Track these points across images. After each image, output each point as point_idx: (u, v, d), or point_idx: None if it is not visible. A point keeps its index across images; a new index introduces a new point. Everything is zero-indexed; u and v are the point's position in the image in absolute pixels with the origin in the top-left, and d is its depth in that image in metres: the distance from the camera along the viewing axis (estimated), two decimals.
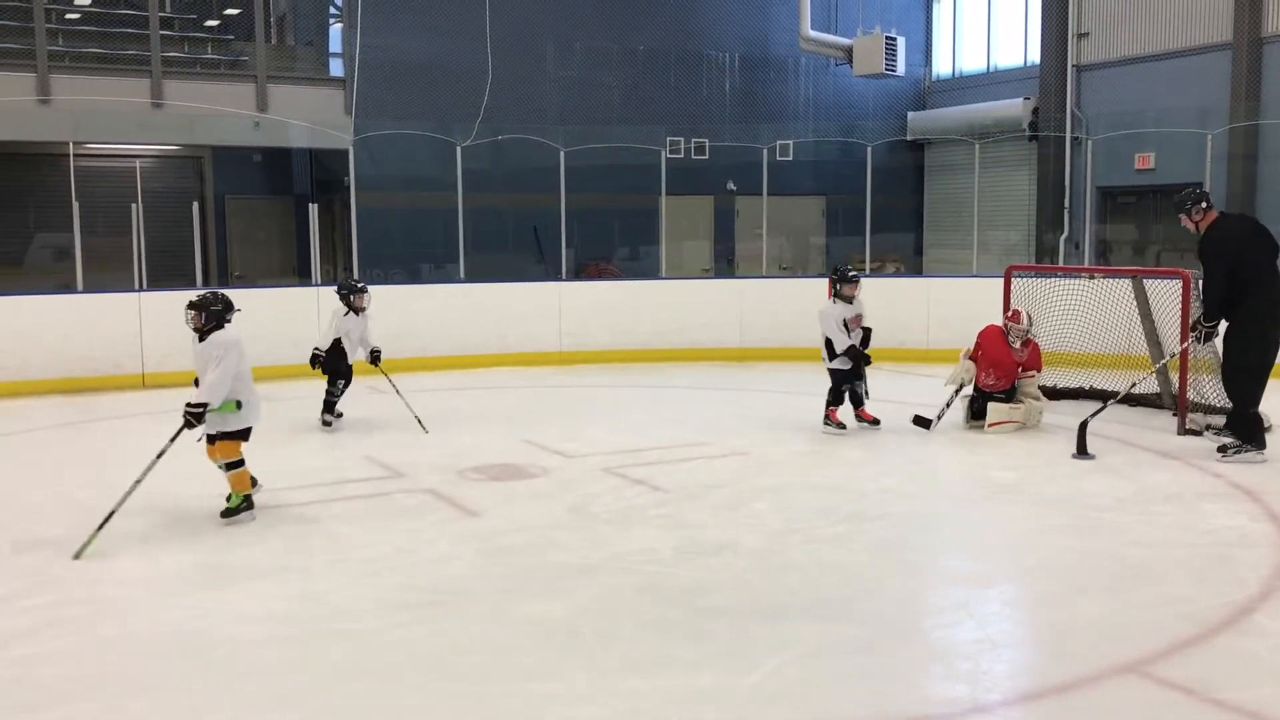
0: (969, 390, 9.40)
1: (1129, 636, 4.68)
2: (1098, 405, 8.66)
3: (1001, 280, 10.68)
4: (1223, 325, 8.16)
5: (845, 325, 9.12)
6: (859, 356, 9.15)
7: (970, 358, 9.39)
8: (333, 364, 9.60)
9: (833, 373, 9.28)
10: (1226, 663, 4.42)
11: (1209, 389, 9.32)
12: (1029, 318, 9.36)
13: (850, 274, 9.27)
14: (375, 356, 9.58)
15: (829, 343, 9.22)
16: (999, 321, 9.59)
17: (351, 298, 9.57)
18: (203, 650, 4.67)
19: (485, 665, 4.51)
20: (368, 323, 9.67)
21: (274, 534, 6.39)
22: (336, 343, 9.60)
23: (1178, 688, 4.17)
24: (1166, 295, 9.65)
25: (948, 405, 9.30)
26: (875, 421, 9.28)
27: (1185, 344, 8.66)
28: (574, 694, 4.22)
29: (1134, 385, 9.13)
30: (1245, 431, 7.97)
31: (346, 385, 9.75)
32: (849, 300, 9.21)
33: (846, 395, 9.29)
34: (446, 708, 4.15)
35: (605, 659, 4.57)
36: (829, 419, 9.29)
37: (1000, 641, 4.79)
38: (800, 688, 4.26)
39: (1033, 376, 9.38)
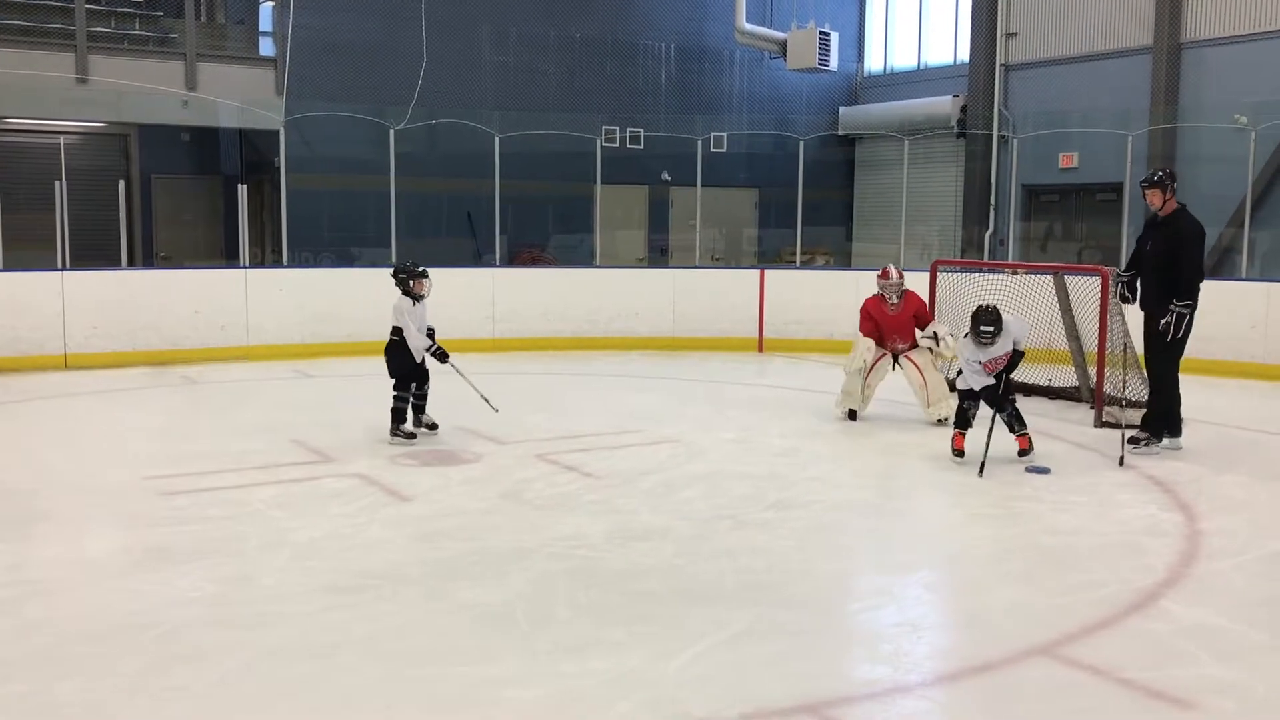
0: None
1: (1042, 620, 4.87)
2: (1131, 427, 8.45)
3: (928, 274, 10.91)
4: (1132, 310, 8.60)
5: (981, 365, 7.77)
6: (993, 401, 7.81)
7: (862, 332, 9.52)
8: (398, 365, 8.34)
9: (960, 392, 8.13)
10: (1133, 645, 4.62)
11: (1123, 382, 9.61)
12: (897, 272, 9.51)
13: (981, 330, 7.57)
14: (430, 334, 8.46)
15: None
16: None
17: (411, 283, 8.33)
18: (134, 632, 4.65)
19: (420, 648, 4.56)
20: (425, 310, 8.48)
21: (205, 517, 6.35)
22: (396, 341, 8.37)
23: (1086, 668, 4.35)
24: (1086, 291, 9.93)
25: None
26: (1024, 451, 7.89)
27: (1167, 321, 8.02)
28: (507, 676, 4.29)
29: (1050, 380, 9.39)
30: (1167, 421, 8.29)
31: (419, 388, 8.48)
32: (978, 344, 7.69)
33: (974, 417, 8.00)
34: (381, 689, 4.18)
35: (538, 642, 4.64)
36: (956, 449, 7.94)
37: (920, 625, 4.95)
38: (728, 669, 4.37)
39: (932, 333, 9.47)
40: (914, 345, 9.53)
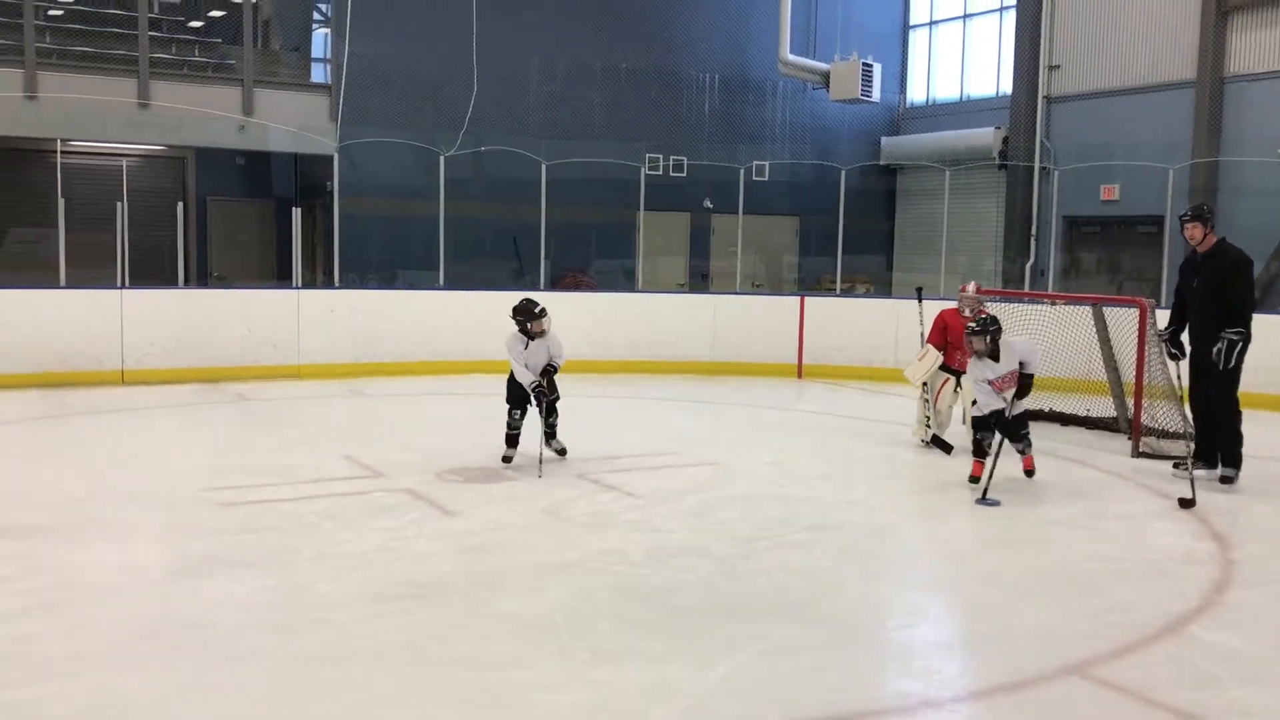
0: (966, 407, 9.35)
1: (1073, 641, 4.96)
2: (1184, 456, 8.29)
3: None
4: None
5: (989, 384, 7.81)
6: (1001, 425, 7.78)
7: (930, 343, 9.56)
8: (515, 392, 8.43)
9: (975, 420, 8.16)
10: (1163, 668, 4.70)
11: (1162, 414, 9.65)
12: (975, 287, 9.50)
13: (968, 325, 7.92)
14: (547, 374, 8.39)
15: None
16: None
17: (529, 325, 8.29)
18: (190, 633, 4.86)
19: (460, 655, 4.72)
20: (552, 344, 8.42)
21: (257, 527, 6.58)
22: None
23: (1116, 688, 4.44)
24: (1125, 323, 9.99)
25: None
26: (1030, 471, 8.04)
27: (1219, 349, 7.91)
28: (545, 682, 4.44)
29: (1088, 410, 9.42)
30: (1235, 452, 8.20)
31: (548, 416, 8.49)
32: (980, 356, 7.78)
33: (991, 447, 7.84)
34: (422, 692, 4.35)
35: (576, 651, 4.79)
36: (972, 475, 7.93)
37: (952, 643, 5.06)
38: (762, 682, 4.50)
39: None
40: None
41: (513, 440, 8.40)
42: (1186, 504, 7.42)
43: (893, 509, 7.58)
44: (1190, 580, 5.90)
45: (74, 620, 5.01)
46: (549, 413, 8.48)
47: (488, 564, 6.00)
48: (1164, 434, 9.54)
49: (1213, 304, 8.07)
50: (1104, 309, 10.36)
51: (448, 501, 7.23)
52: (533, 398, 8.35)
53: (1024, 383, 7.76)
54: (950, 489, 8.13)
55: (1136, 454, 9.34)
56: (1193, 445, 8.28)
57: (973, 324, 7.81)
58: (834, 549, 6.49)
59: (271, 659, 4.61)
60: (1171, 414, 9.66)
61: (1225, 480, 8.14)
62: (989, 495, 7.51)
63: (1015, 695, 4.46)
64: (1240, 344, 7.92)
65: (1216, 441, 8.25)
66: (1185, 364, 8.31)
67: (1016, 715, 4.32)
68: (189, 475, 7.86)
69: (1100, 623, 5.22)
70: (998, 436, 7.81)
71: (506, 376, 8.49)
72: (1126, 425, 9.94)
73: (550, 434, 8.54)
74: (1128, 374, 9.89)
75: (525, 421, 8.45)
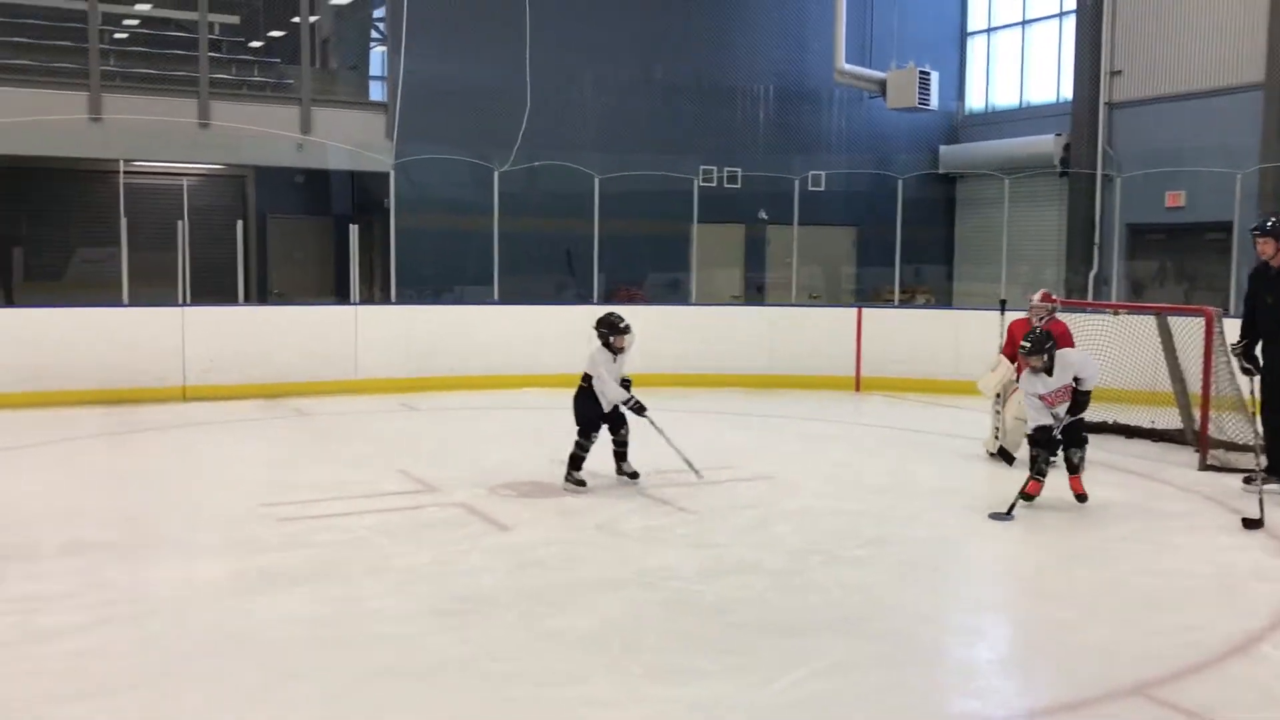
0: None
1: (1136, 660, 4.83)
2: (1256, 472, 8.00)
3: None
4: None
5: (1040, 399, 7.59)
6: (1046, 442, 7.56)
7: (1003, 354, 9.42)
8: (586, 411, 8.12)
9: (1029, 438, 7.85)
10: (1231, 689, 4.56)
11: (1230, 425, 9.41)
12: (1041, 295, 9.29)
13: (1022, 344, 7.62)
14: (625, 385, 8.18)
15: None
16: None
17: (613, 339, 8.10)
18: (249, 648, 4.90)
19: (515, 670, 4.71)
20: (623, 361, 8.24)
21: (314, 542, 6.63)
22: (585, 388, 8.15)
23: (1181, 710, 4.31)
24: (1190, 332, 9.76)
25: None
26: (1082, 496, 7.68)
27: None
28: (600, 698, 4.42)
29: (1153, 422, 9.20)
30: None
31: (617, 434, 8.28)
32: (1035, 371, 7.56)
33: (1050, 466, 7.64)
34: (476, 708, 4.35)
35: (630, 667, 4.76)
36: (1027, 492, 7.58)
37: (1011, 661, 4.96)
38: (818, 699, 4.43)
39: None
40: None
41: (580, 463, 8.07)
42: (1252, 524, 7.14)
43: (952, 524, 7.45)
44: (1260, 597, 5.74)
45: (133, 636, 5.07)
46: (623, 426, 8.22)
47: (541, 579, 5.99)
48: (1232, 446, 9.31)
49: None
50: (1168, 318, 10.13)
51: (501, 516, 7.24)
52: (620, 410, 8.12)
53: (1079, 399, 7.53)
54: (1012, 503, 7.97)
55: (1204, 467, 9.13)
56: (1264, 460, 8.05)
57: (1026, 343, 7.54)
58: (892, 564, 6.40)
59: (328, 675, 4.63)
60: (1240, 426, 9.42)
61: (1249, 478, 7.96)
62: (1012, 512, 7.32)
63: (1075, 715, 4.35)
64: None
65: None
66: (1258, 379, 8.06)
67: None
68: (247, 491, 7.94)
69: (1165, 641, 5.09)
70: (1020, 451, 7.72)
71: (573, 396, 8.16)
72: (1193, 437, 9.71)
73: (623, 454, 8.27)
74: (1194, 385, 9.67)
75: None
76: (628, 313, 14.90)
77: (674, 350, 14.29)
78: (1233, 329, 9.97)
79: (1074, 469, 7.68)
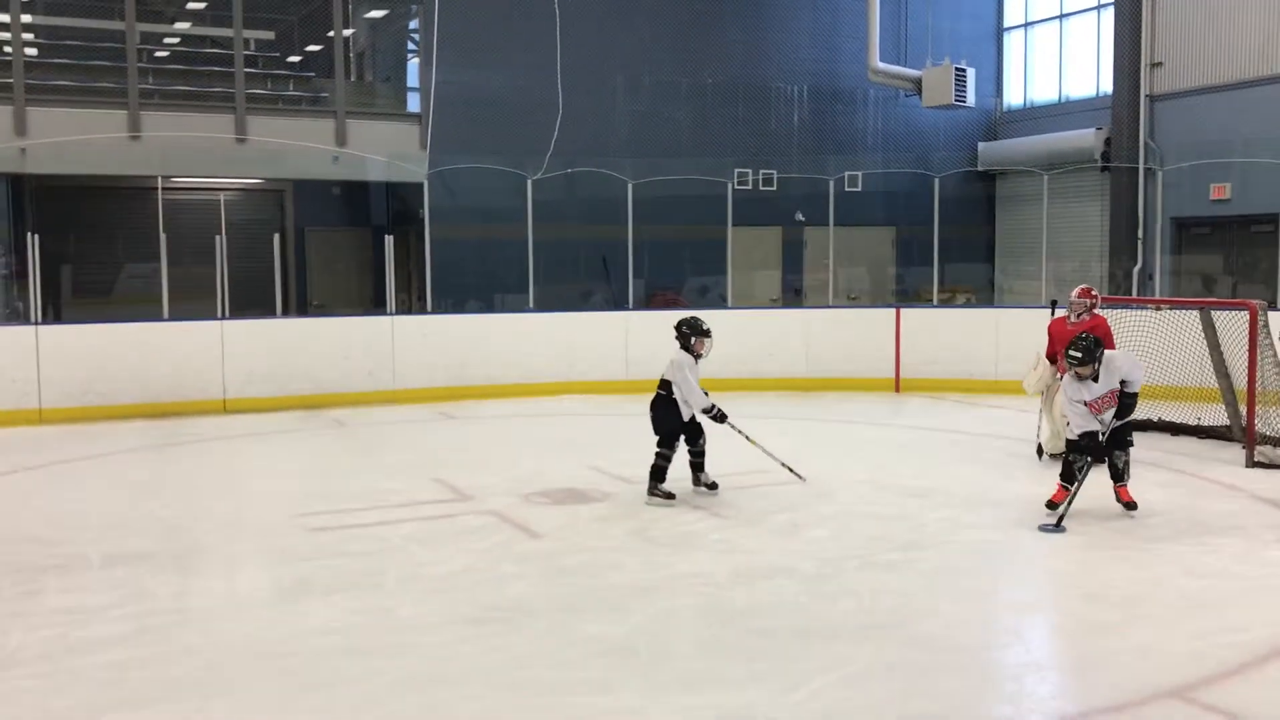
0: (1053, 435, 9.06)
1: (1175, 663, 4.73)
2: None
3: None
4: None
5: (1085, 405, 7.22)
6: (1093, 449, 7.19)
7: (1047, 355, 9.29)
8: (667, 421, 7.91)
9: (1068, 443, 7.54)
10: (1274, 691, 4.45)
11: (1278, 421, 9.22)
12: (1079, 291, 9.14)
13: (1071, 354, 7.17)
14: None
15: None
16: None
17: (693, 341, 7.90)
18: (280, 659, 4.92)
19: (544, 679, 4.69)
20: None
21: (348, 551, 6.66)
22: (665, 396, 7.91)
23: (1221, 713, 4.21)
24: (1235, 327, 9.57)
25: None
26: (1131, 505, 7.33)
27: None
28: (627, 707, 4.39)
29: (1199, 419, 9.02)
30: None
31: (694, 444, 8.07)
32: (1082, 379, 7.18)
33: (1082, 472, 7.27)
34: (507, 717, 4.33)
35: (659, 675, 4.73)
36: (1052, 500, 7.43)
37: (1046, 665, 4.87)
38: (848, 706, 4.38)
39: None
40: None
41: (664, 474, 7.82)
42: None
43: (990, 526, 7.33)
44: None
45: (171, 646, 5.11)
46: (699, 436, 8.01)
47: (572, 586, 5.97)
48: None
49: None
50: (1212, 313, 9.94)
51: (534, 524, 7.23)
52: (691, 422, 7.89)
53: (1126, 402, 7.17)
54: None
55: (1251, 464, 8.94)
56: None
57: (1076, 353, 7.11)
58: (927, 569, 6.31)
59: (360, 683, 4.64)
60: None
61: None
62: (1062, 523, 6.99)
63: (1111, 718, 4.26)
64: None
65: None
66: None
67: None
68: (285, 501, 8.01)
69: (1208, 644, 4.98)
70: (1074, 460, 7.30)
71: (650, 404, 7.95)
72: (1240, 434, 9.51)
73: (701, 465, 8.06)
74: (1239, 380, 9.47)
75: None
76: (665, 318, 14.99)
77: (712, 355, 14.16)
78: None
79: (1119, 476, 7.32)
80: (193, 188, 16.26)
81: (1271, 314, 9.76)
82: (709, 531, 7.08)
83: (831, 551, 6.61)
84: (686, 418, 7.88)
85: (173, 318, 12.91)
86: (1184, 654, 4.85)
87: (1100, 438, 7.16)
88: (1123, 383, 7.15)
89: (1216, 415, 10.02)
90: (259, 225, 15.80)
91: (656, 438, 7.92)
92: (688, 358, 7.85)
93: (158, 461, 10.09)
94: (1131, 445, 7.44)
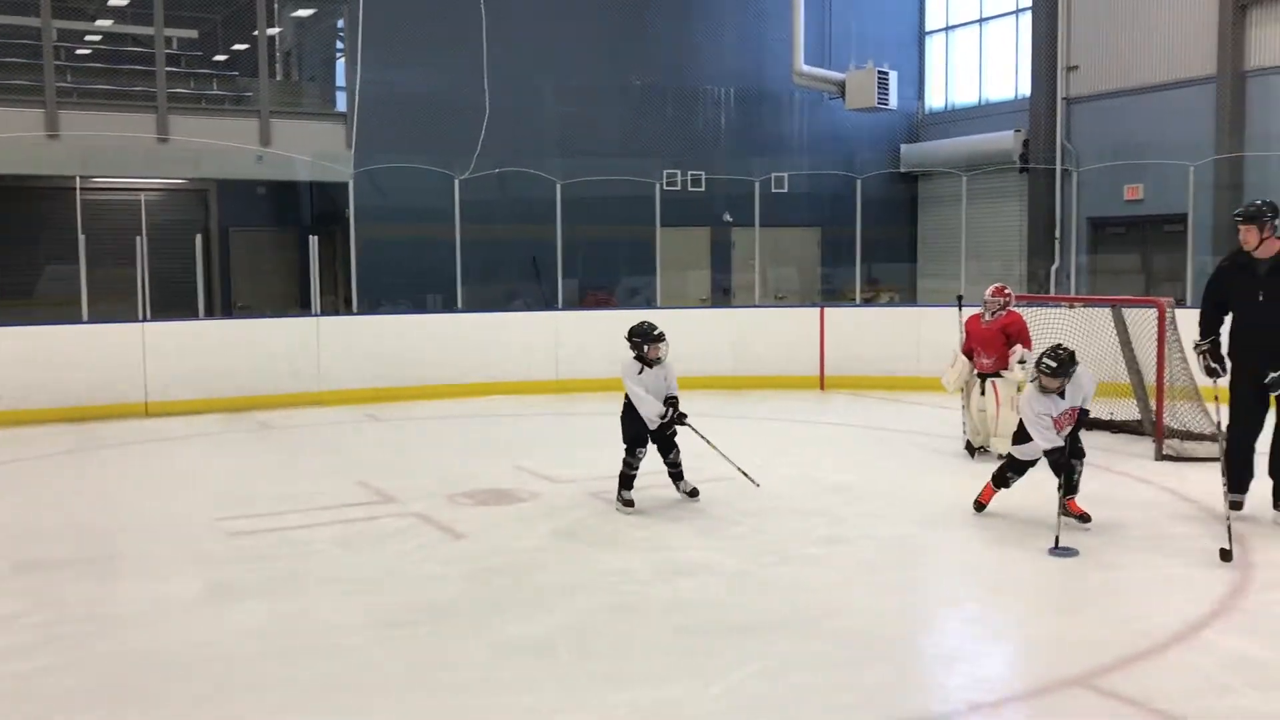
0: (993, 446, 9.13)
1: (1083, 651, 4.87)
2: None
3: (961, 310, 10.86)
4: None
5: (1050, 420, 6.89)
6: (1061, 466, 6.89)
7: (963, 350, 9.48)
8: (629, 427, 7.68)
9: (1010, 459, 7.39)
10: (1172, 676, 4.61)
11: (1185, 415, 9.52)
12: (993, 290, 9.32)
13: (1045, 363, 6.79)
14: (672, 405, 7.71)
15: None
16: None
17: (646, 348, 7.64)
18: (196, 665, 4.88)
19: (464, 679, 4.71)
20: (669, 374, 7.79)
21: (269, 555, 6.61)
22: (628, 401, 7.71)
23: (1123, 699, 4.35)
24: (1145, 324, 9.85)
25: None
26: (1084, 517, 6.99)
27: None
28: (547, 706, 4.42)
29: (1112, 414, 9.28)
30: None
31: (667, 455, 7.83)
32: (1048, 393, 6.85)
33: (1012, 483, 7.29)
34: (425, 718, 4.35)
35: (579, 674, 4.77)
36: (979, 501, 7.42)
37: (958, 656, 4.99)
38: (766, 699, 4.45)
39: (1021, 360, 9.02)
40: (1001, 366, 9.30)
41: (630, 482, 7.63)
42: (1227, 556, 6.23)
43: (909, 521, 7.46)
44: (1207, 587, 5.79)
45: (82, 655, 5.04)
46: (671, 448, 7.77)
47: (494, 586, 5.99)
48: (1188, 435, 9.41)
49: None
50: (1123, 310, 10.23)
51: (458, 524, 7.23)
52: (661, 432, 7.64)
53: (1084, 419, 7.01)
54: (970, 499, 8.02)
55: (1160, 457, 9.22)
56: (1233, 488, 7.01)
57: (1050, 363, 6.75)
58: (845, 563, 6.43)
59: (276, 688, 4.62)
60: (1195, 415, 9.54)
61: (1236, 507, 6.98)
62: (1061, 544, 6.51)
63: (1019, 707, 4.40)
64: None
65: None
66: (1224, 381, 7.10)
67: None
68: (205, 505, 7.91)
69: (1111, 632, 5.14)
70: (1020, 472, 7.18)
71: (621, 409, 7.74)
72: (1150, 428, 9.80)
73: (677, 474, 7.86)
74: (1150, 376, 9.76)
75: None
76: (594, 318, 15.04)
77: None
78: (1188, 321, 10.11)
79: (1074, 488, 7.02)
80: (113, 188, 15.96)
81: (1180, 312, 10.07)
82: (633, 530, 7.13)
83: (754, 547, 6.70)
84: (652, 426, 7.62)
85: (93, 320, 12.67)
86: (1089, 642, 5.00)
87: (1063, 454, 6.85)
88: (1084, 399, 6.92)
89: (1129, 410, 10.30)
90: (181, 226, 15.56)
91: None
92: (632, 365, 7.64)
93: (76, 466, 9.91)
94: (1084, 455, 7.11)
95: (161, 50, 15.29)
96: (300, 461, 9.84)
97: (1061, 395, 6.82)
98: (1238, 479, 7.05)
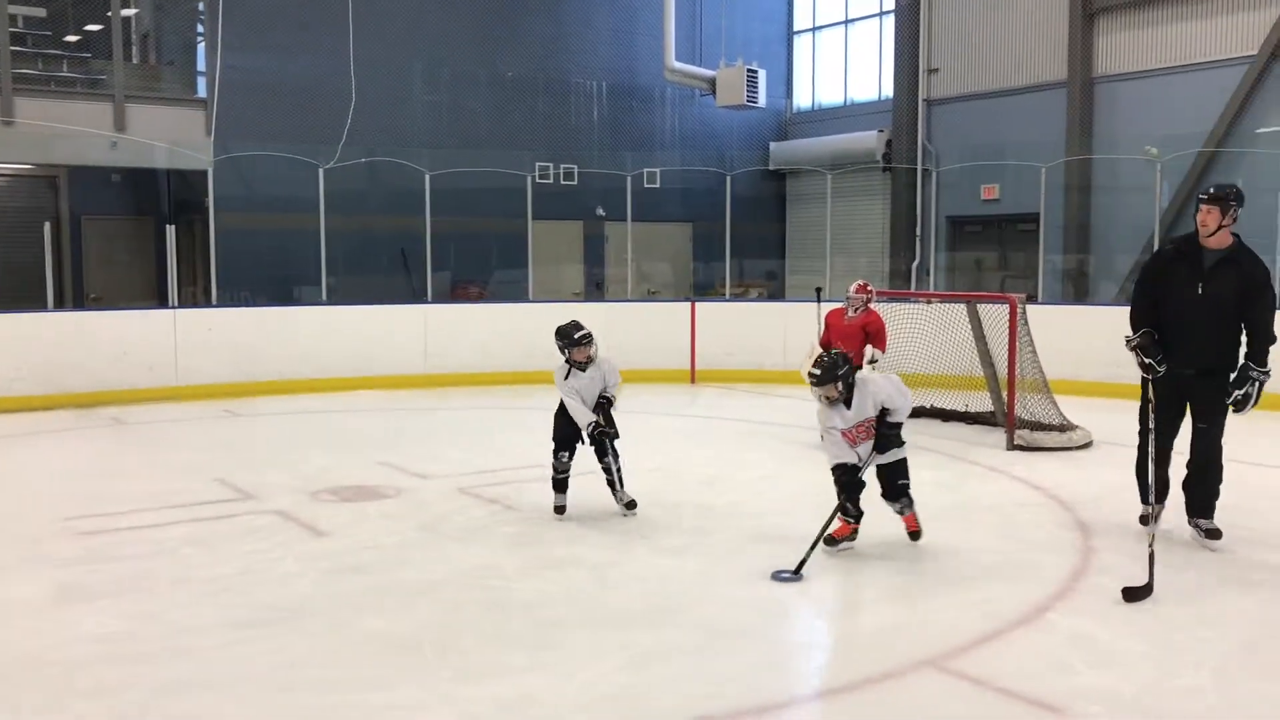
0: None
1: (932, 634, 5.04)
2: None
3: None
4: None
5: (838, 434, 6.24)
6: (851, 484, 6.28)
7: (822, 343, 9.69)
8: (558, 429, 7.30)
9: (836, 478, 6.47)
10: (1017, 656, 4.80)
11: (1035, 406, 9.92)
12: (857, 287, 9.54)
13: (810, 371, 6.21)
14: (601, 410, 7.26)
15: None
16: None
17: (571, 351, 7.17)
18: (36, 669, 4.68)
19: (322, 679, 4.62)
20: (606, 372, 7.32)
21: (120, 555, 6.38)
22: (564, 406, 7.27)
23: (969, 679, 4.52)
24: (998, 319, 10.23)
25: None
26: (915, 534, 6.51)
27: (1246, 391, 6.14)
28: (405, 702, 4.37)
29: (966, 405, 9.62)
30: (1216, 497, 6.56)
31: (602, 460, 7.33)
32: (832, 402, 6.17)
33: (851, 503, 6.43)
34: (278, 719, 4.26)
35: (440, 669, 4.73)
36: (832, 536, 6.39)
37: (813, 643, 5.12)
38: (626, 690, 4.49)
39: (873, 360, 9.20)
40: (857, 363, 9.44)
41: (562, 485, 7.29)
42: (1134, 595, 5.47)
43: (773, 512, 7.61)
44: (1051, 568, 6.05)
45: None
46: (606, 453, 7.29)
47: (356, 584, 5.89)
48: (1038, 426, 9.81)
49: (1227, 325, 6.23)
50: (977, 306, 10.59)
51: (319, 522, 7.09)
52: (585, 438, 7.26)
53: (885, 433, 6.18)
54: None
55: (1011, 447, 9.57)
56: (1157, 508, 6.47)
57: (815, 370, 6.15)
58: (711, 553, 6.51)
59: (121, 692, 4.45)
60: (1044, 406, 9.96)
61: (1214, 535, 6.41)
62: (786, 571, 5.96)
63: (870, 689, 4.51)
64: (1262, 386, 6.16)
65: (1195, 489, 6.50)
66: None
67: (870, 710, 4.37)
68: (53, 504, 7.60)
69: (961, 615, 5.32)
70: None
71: (554, 410, 7.35)
72: (1003, 419, 10.17)
73: (612, 482, 7.35)
74: (1002, 369, 10.13)
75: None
76: (465, 311, 14.91)
77: (511, 348, 14.24)
78: (1038, 317, 10.53)
79: (901, 511, 6.48)
80: None
81: (1031, 307, 10.50)
82: (500, 525, 7.10)
83: (620, 539, 6.74)
84: (585, 429, 7.24)
85: None
86: (939, 626, 5.17)
87: (859, 474, 6.24)
88: (884, 411, 6.20)
89: (982, 402, 10.68)
90: (29, 213, 14.89)
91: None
92: (561, 369, 7.25)
93: None
94: (907, 490, 6.39)
95: (5, 28, 14.59)
96: (155, 459, 9.52)
97: (847, 405, 6.13)
98: (1161, 486, 6.43)
